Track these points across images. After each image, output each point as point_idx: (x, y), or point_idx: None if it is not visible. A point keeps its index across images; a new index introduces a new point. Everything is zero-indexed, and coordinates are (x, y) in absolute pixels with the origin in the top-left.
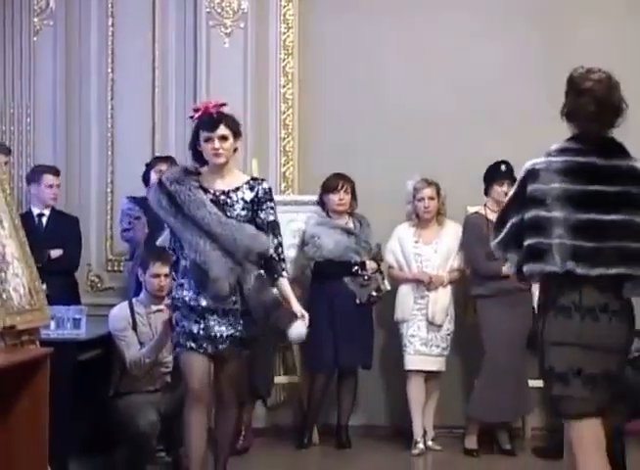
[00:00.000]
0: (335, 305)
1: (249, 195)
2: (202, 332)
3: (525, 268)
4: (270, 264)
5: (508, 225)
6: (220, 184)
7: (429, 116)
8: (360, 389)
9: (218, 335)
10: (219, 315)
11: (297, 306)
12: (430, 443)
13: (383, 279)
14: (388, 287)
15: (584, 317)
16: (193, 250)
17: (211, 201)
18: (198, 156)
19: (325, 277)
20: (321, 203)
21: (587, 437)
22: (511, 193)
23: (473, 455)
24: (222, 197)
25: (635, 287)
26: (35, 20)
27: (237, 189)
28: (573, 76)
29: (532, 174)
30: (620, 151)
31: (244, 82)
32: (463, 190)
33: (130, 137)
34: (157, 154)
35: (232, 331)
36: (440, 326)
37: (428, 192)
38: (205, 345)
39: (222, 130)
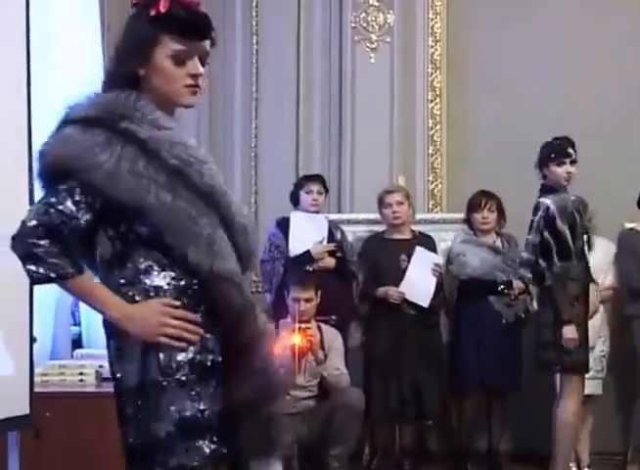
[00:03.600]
0: (481, 325)
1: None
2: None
3: None
4: None
5: None
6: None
7: (581, 131)
8: (509, 412)
9: None
10: None
11: None
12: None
13: (531, 300)
14: (537, 308)
15: None
16: (206, 252)
17: None
18: (129, 79)
19: (470, 296)
20: (468, 221)
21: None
22: None
23: None
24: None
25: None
26: None
27: None
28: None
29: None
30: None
31: (390, 98)
32: (619, 206)
33: (274, 156)
34: (300, 173)
35: None
36: (592, 347)
37: None
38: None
39: (208, 45)
